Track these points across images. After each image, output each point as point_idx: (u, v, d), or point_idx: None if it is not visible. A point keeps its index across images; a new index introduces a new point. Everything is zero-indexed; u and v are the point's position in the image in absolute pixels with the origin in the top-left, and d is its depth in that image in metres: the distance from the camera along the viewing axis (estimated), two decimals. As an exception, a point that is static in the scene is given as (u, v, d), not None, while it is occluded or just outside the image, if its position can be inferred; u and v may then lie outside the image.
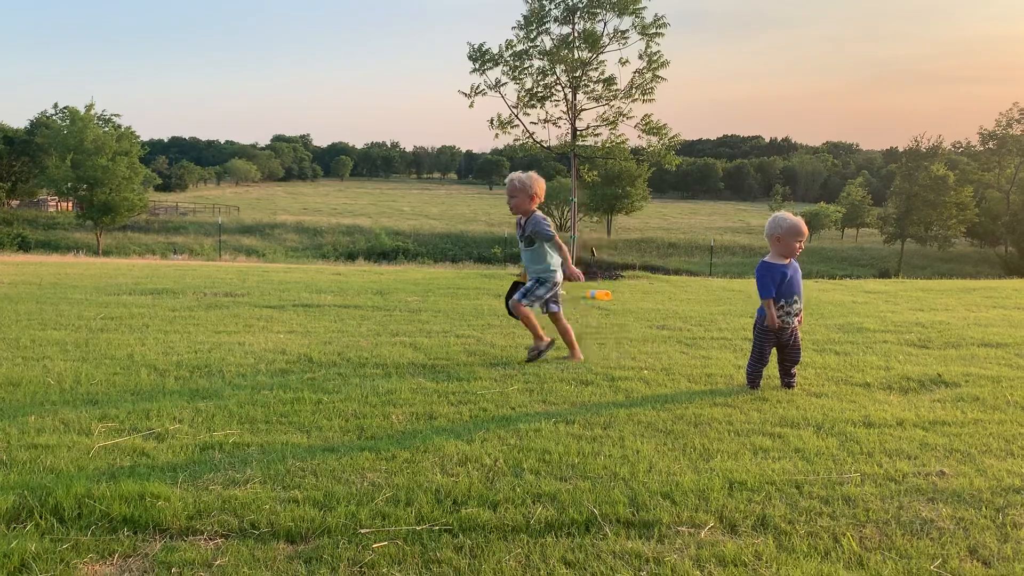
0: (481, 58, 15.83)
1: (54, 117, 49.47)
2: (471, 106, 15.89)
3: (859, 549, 2.51)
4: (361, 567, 2.35)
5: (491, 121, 16.30)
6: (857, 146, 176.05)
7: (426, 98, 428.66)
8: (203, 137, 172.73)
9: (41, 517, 2.59)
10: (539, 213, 5.37)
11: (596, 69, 15.69)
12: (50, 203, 60.84)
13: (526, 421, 3.83)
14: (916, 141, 59.46)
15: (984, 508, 2.83)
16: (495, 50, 15.91)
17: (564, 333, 5.44)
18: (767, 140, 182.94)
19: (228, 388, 4.39)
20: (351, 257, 45.19)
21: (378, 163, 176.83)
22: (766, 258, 4.65)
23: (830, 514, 2.76)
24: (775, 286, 4.54)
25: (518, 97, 15.99)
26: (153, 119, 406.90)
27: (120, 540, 2.48)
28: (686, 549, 2.49)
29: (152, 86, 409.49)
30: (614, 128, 15.94)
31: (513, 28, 15.84)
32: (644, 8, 15.04)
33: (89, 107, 43.91)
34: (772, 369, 4.79)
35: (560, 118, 16.09)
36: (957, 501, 2.89)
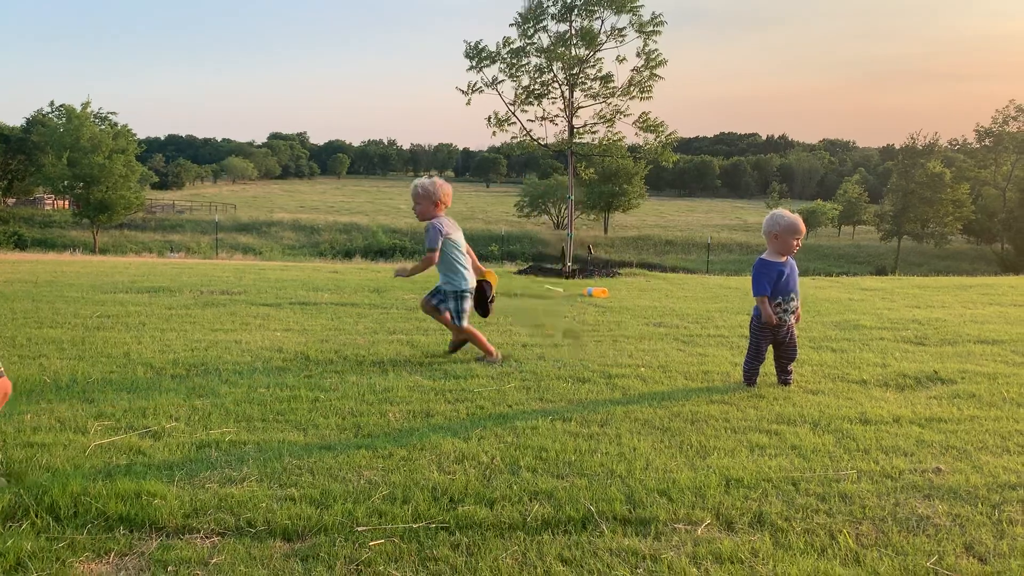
0: (478, 56, 15.80)
1: (50, 115, 49.27)
2: (468, 103, 15.88)
3: (855, 546, 2.51)
4: (358, 565, 2.35)
5: (488, 119, 16.27)
6: (854, 143, 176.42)
7: (423, 96, 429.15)
8: (200, 135, 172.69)
9: (37, 515, 2.59)
10: (437, 220, 5.20)
11: (593, 66, 15.67)
12: (46, 201, 60.64)
13: (523, 419, 3.83)
14: (913, 138, 59.55)
15: (980, 504, 2.84)
16: (492, 48, 15.88)
17: (450, 327, 5.38)
18: (764, 138, 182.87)
19: (224, 386, 4.39)
20: (348, 255, 45.07)
21: (375, 161, 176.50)
22: (763, 255, 4.66)
23: (826, 511, 2.77)
24: (771, 284, 4.55)
25: (515, 94, 15.97)
26: (150, 117, 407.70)
27: (116, 538, 2.48)
28: (683, 546, 2.49)
29: (149, 84, 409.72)
30: (611, 126, 15.91)
31: (511, 25, 15.82)
32: (641, 6, 15.01)
33: (85, 105, 43.73)
34: (769, 366, 4.80)
35: (557, 115, 16.06)
36: (953, 498, 2.90)
